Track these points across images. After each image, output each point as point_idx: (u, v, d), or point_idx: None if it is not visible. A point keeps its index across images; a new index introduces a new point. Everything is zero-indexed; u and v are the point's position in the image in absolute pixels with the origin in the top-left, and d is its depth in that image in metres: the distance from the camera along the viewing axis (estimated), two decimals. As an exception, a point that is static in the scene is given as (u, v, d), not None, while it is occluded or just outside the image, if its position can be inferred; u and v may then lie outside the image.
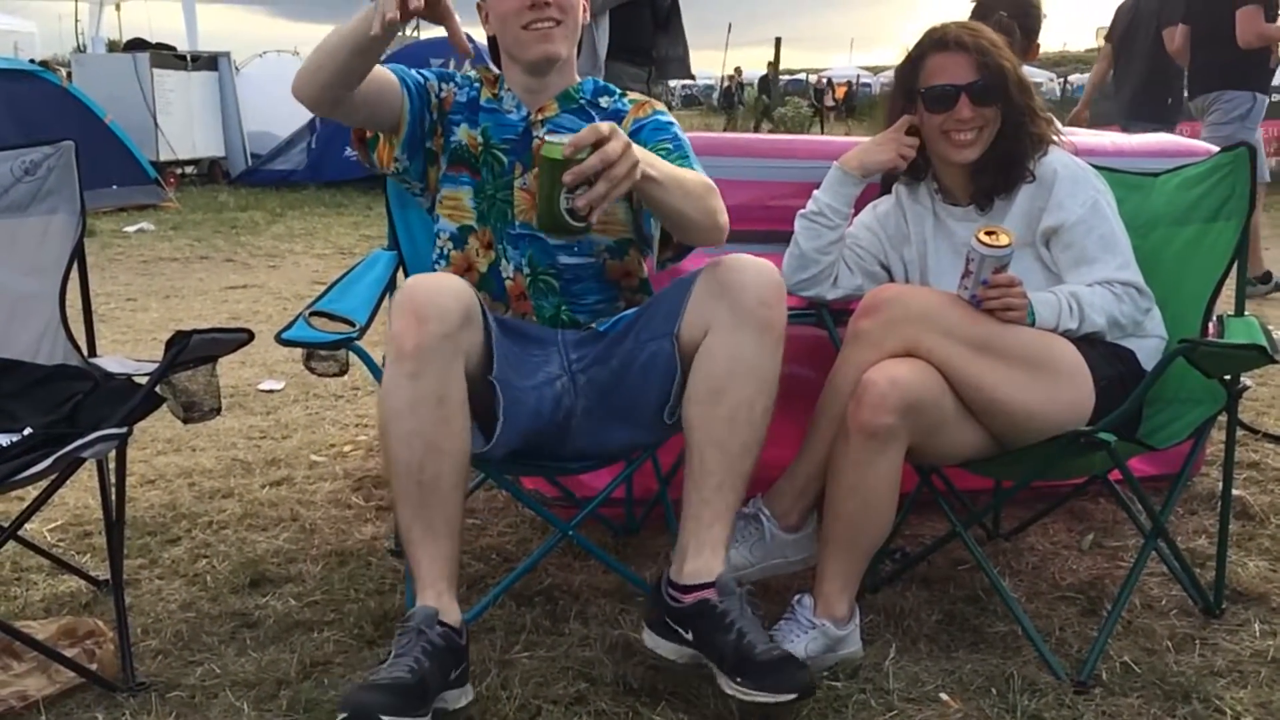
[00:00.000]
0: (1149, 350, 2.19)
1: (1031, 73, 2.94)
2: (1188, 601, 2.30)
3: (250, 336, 2.04)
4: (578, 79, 2.23)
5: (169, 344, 1.89)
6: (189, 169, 12.26)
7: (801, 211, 2.32)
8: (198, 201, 10.15)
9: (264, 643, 2.16)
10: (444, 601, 1.85)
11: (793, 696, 1.75)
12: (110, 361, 2.34)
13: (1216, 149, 2.44)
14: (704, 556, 1.88)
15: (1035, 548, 2.64)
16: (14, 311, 2.35)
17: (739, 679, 1.76)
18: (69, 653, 1.99)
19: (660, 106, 2.22)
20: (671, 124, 2.16)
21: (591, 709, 1.90)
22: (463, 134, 2.18)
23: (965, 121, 2.18)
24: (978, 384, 2.00)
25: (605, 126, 1.74)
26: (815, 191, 2.31)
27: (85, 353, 2.37)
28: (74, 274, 2.37)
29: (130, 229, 8.47)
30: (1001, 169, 2.21)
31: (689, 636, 1.86)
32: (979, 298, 2.02)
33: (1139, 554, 2.12)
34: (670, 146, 2.10)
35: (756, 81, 26.56)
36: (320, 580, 2.44)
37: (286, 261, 7.22)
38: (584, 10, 2.17)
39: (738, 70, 28.91)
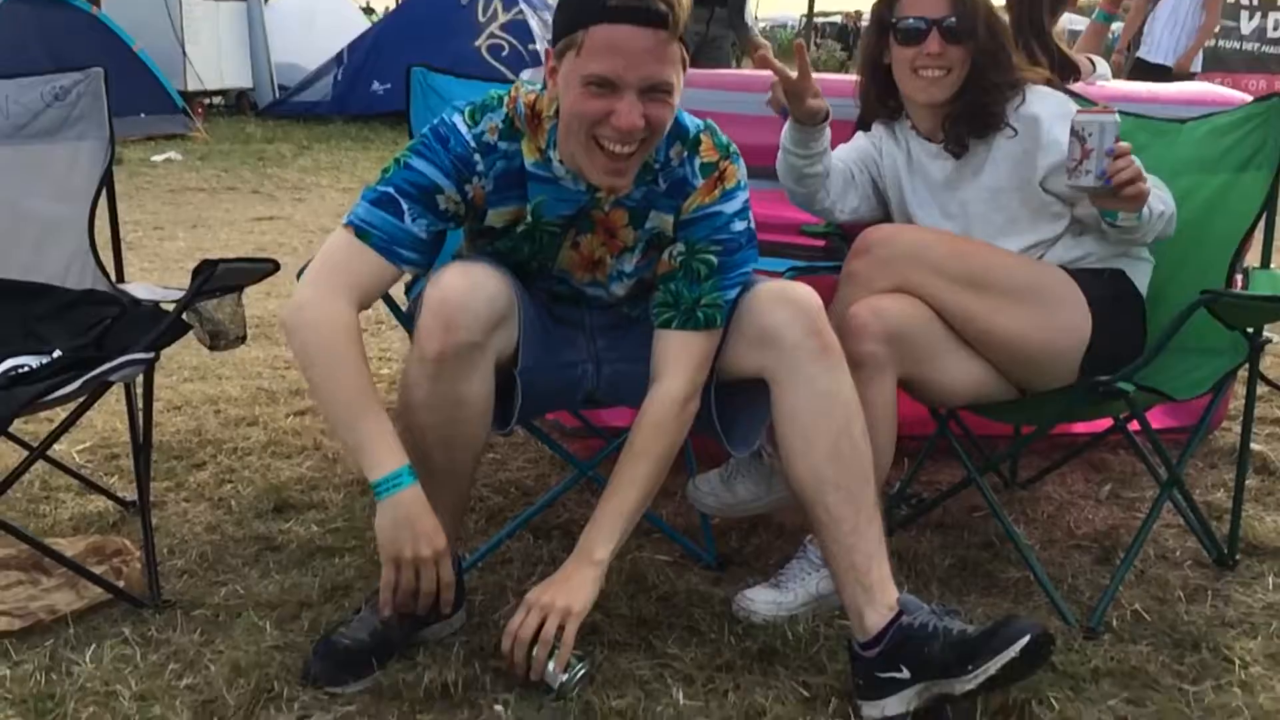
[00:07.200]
0: (1141, 271, 2.18)
1: (1073, 20, 2.86)
2: (1202, 553, 2.31)
3: (276, 267, 2.05)
4: None
5: (196, 272, 1.92)
6: (216, 99, 12.25)
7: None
8: (225, 132, 10.16)
9: (286, 566, 2.21)
10: None
11: (1025, 639, 1.64)
12: (138, 288, 2.36)
13: (1250, 98, 2.40)
14: (876, 601, 1.76)
15: (1052, 497, 2.65)
16: (44, 236, 2.38)
17: (970, 666, 1.65)
18: (97, 570, 2.04)
19: (741, 177, 1.88)
20: (734, 216, 1.87)
21: (605, 639, 1.94)
22: (500, 216, 1.86)
23: (934, 57, 2.12)
24: (968, 315, 2.02)
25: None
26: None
27: (113, 279, 2.40)
28: (102, 201, 2.40)
29: (158, 158, 8.50)
30: (974, 116, 2.15)
31: (906, 675, 1.71)
32: (1108, 173, 1.90)
33: (1154, 503, 2.13)
34: (714, 254, 1.85)
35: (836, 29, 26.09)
36: (342, 508, 2.49)
37: (312, 194, 7.23)
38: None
39: (858, 13, 28.30)
